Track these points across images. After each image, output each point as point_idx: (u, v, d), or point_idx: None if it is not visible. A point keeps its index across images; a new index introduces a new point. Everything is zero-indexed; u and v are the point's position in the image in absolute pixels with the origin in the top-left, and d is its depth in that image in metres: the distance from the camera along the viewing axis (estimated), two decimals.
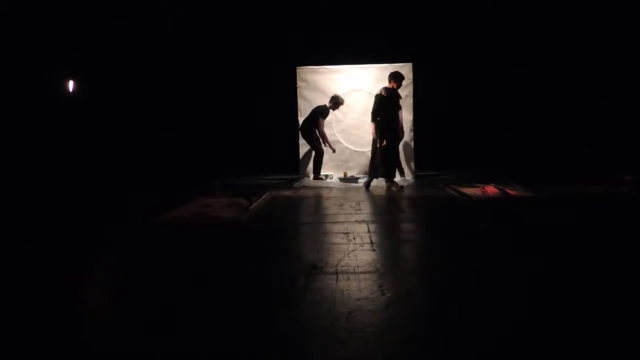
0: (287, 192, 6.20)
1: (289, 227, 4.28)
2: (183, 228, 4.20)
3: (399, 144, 6.66)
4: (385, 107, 6.31)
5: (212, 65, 8.61)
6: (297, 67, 7.54)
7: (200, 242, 3.72)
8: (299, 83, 7.52)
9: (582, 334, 1.92)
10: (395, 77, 6.42)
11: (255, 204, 5.06)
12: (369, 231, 3.77)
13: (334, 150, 7.27)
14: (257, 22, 8.31)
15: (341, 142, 7.48)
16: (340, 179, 7.16)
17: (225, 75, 8.62)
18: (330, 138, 7.29)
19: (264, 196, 5.65)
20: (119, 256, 3.40)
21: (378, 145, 6.24)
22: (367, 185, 6.42)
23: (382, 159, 6.23)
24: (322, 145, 7.14)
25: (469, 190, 5.75)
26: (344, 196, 5.76)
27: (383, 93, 6.38)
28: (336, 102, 7.12)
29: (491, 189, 5.64)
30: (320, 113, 7.06)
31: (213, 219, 4.48)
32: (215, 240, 3.79)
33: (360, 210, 4.75)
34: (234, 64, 8.57)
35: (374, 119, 6.37)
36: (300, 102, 7.52)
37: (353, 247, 3.29)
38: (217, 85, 8.66)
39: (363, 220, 4.19)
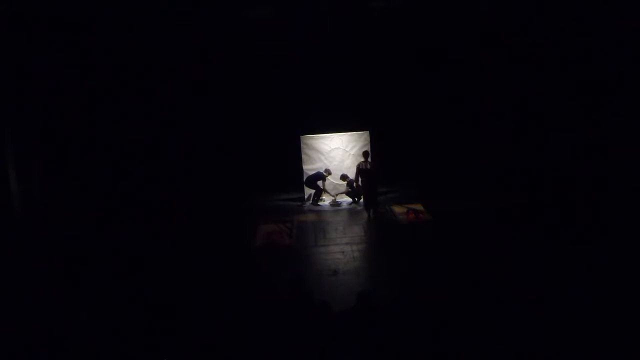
0: (304, 218, 11.31)
1: (315, 246, 9.43)
2: (270, 249, 9.27)
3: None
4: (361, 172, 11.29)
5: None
6: (301, 136, 12.55)
7: (283, 255, 8.82)
8: (302, 145, 12.52)
9: None
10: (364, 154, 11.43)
11: (293, 232, 10.18)
12: (351, 250, 8.98)
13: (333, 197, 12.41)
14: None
15: (329, 179, 12.58)
16: (330, 204, 12.33)
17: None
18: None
19: (294, 222, 10.76)
20: (263, 262, 8.46)
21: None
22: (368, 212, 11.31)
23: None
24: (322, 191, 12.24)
25: (400, 211, 11.03)
26: (334, 220, 10.98)
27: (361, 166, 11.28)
28: (329, 172, 12.18)
29: (411, 215, 10.94)
30: (320, 177, 12.13)
31: (278, 244, 9.58)
32: (287, 254, 8.91)
33: (346, 234, 9.96)
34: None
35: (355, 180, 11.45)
36: (303, 156, 12.53)
37: (346, 259, 8.49)
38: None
39: (348, 243, 9.40)
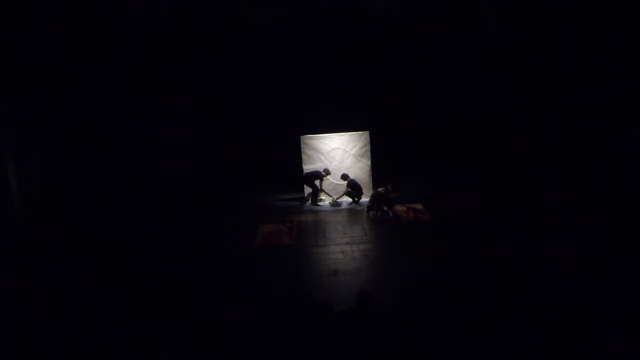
0: (304, 218, 11.30)
1: (315, 246, 9.42)
2: (270, 248, 9.27)
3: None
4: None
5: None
6: (301, 135, 12.55)
7: (283, 255, 8.82)
8: (302, 145, 12.52)
9: None
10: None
11: (293, 232, 10.18)
12: (351, 250, 8.98)
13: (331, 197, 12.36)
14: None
15: (329, 179, 12.57)
16: (330, 204, 12.32)
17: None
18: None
19: (294, 223, 10.75)
20: (262, 262, 8.48)
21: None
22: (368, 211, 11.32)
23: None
24: (319, 191, 12.22)
25: (401, 211, 10.99)
26: (334, 220, 10.97)
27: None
28: (327, 172, 12.17)
29: (411, 214, 10.93)
30: (318, 176, 12.11)
31: (278, 244, 9.57)
32: (287, 254, 8.91)
33: (346, 234, 9.95)
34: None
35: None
36: (303, 156, 12.53)
37: (346, 259, 8.49)
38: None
39: (348, 243, 9.40)
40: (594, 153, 10.66)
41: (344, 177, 12.15)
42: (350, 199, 12.27)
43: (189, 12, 11.85)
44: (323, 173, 12.16)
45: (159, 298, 6.96)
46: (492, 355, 4.96)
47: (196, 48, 12.47)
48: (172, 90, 12.64)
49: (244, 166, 12.98)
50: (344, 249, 9.10)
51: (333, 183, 12.51)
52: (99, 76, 11.49)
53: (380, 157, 12.66)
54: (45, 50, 10.51)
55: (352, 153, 12.50)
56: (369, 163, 12.55)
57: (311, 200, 12.33)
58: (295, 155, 12.53)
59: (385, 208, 11.04)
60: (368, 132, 12.54)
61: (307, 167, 12.45)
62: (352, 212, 11.69)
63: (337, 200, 12.36)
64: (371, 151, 12.54)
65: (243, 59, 12.78)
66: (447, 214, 10.71)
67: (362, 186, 12.15)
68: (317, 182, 12.21)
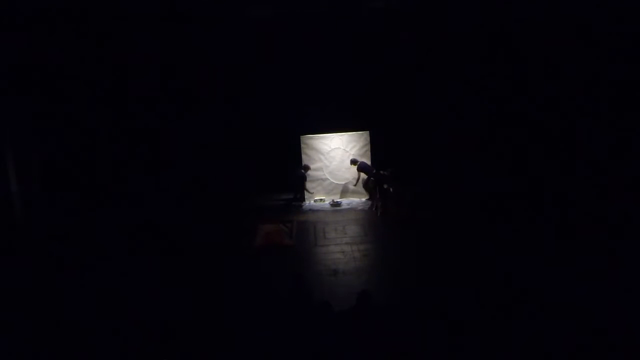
0: (304, 218, 11.29)
1: (315, 246, 9.42)
2: (271, 248, 9.24)
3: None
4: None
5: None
6: (301, 136, 12.56)
7: (283, 255, 8.81)
8: (302, 145, 12.53)
9: None
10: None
11: (293, 232, 10.18)
12: (351, 250, 8.98)
13: (311, 193, 12.45)
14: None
15: (329, 179, 12.61)
16: (330, 204, 12.32)
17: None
18: (322, 177, 12.48)
19: (294, 223, 10.75)
20: (263, 262, 8.48)
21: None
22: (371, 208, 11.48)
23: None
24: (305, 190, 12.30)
25: (398, 210, 10.96)
26: (334, 220, 10.98)
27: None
28: (307, 168, 12.26)
29: (409, 213, 10.93)
30: (304, 177, 12.20)
31: (279, 244, 9.55)
32: (287, 254, 8.90)
33: (346, 234, 9.96)
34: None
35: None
36: (303, 156, 12.54)
37: (346, 259, 8.49)
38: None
39: (348, 243, 9.40)
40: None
41: (353, 162, 12.07)
42: (350, 199, 12.25)
43: (190, 11, 11.83)
44: (303, 171, 12.25)
45: (159, 298, 6.96)
46: (492, 355, 4.97)
47: (199, 47, 12.46)
48: (173, 90, 12.64)
49: (244, 166, 12.96)
50: (344, 249, 9.10)
51: (333, 183, 12.54)
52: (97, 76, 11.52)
53: (380, 157, 12.66)
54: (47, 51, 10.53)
55: (352, 153, 12.50)
56: (369, 163, 12.55)
57: (296, 199, 12.40)
58: (295, 155, 12.53)
59: (386, 186, 11.06)
60: (368, 132, 12.55)
61: None
62: (352, 212, 11.69)
63: (337, 200, 12.38)
64: (371, 151, 12.56)
65: (243, 59, 12.77)
66: (447, 214, 10.71)
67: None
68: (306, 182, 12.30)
